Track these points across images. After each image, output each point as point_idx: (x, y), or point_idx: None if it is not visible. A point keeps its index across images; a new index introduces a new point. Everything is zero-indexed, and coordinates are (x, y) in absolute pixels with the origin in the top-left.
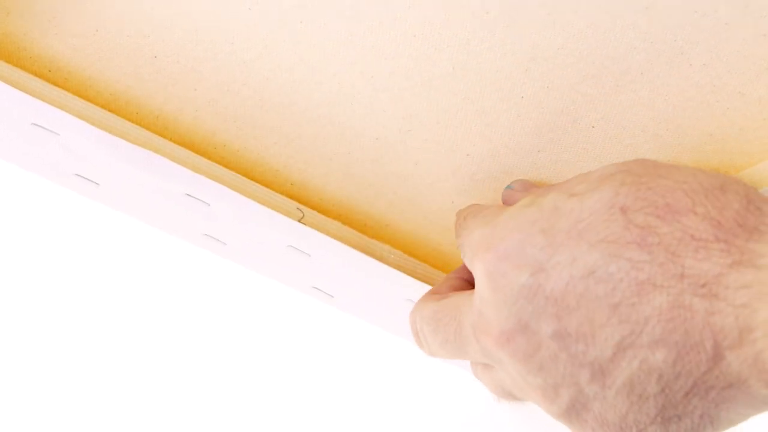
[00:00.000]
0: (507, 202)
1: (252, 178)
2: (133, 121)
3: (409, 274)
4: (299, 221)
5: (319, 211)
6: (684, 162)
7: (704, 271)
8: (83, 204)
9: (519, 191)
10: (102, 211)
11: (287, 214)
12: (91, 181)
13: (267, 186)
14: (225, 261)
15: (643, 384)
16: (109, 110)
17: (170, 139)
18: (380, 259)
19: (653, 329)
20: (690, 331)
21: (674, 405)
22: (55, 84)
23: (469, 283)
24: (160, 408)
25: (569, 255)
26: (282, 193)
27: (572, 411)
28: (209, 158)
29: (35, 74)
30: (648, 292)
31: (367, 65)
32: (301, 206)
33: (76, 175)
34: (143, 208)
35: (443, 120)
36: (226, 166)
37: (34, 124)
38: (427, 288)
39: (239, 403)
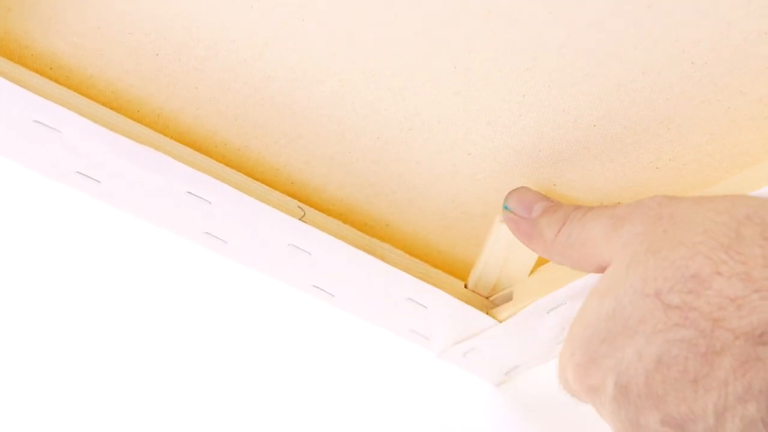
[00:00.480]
0: (513, 229)
1: (253, 177)
2: (134, 120)
3: (409, 273)
4: (300, 219)
5: (319, 211)
6: (685, 162)
7: (754, 323)
8: (84, 202)
9: (521, 215)
10: (102, 210)
11: (288, 212)
12: (92, 178)
13: (268, 185)
14: (225, 260)
15: None
16: (111, 108)
17: (171, 138)
18: (381, 258)
19: (735, 388)
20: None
21: None
22: (57, 82)
23: None
24: (160, 407)
25: (634, 352)
26: (283, 192)
27: None
28: (210, 157)
29: (36, 72)
30: (713, 360)
31: (368, 64)
32: (302, 205)
33: (77, 172)
34: (144, 205)
35: (444, 119)
36: (226, 164)
37: (36, 122)
38: (428, 287)
39: (239, 403)
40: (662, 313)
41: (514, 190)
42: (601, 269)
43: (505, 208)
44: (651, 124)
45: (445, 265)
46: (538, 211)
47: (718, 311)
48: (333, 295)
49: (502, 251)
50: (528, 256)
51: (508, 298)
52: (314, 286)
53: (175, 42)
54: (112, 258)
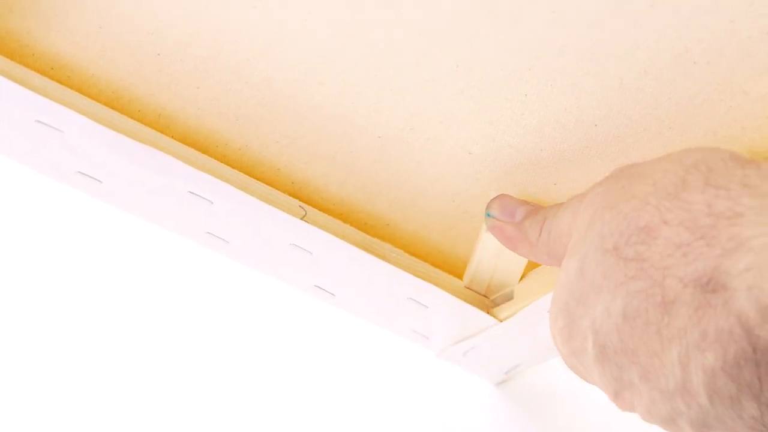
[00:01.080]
0: (498, 235)
1: (254, 177)
2: (135, 120)
3: (410, 272)
4: (302, 219)
5: (320, 210)
6: None
7: (700, 270)
8: (85, 203)
9: (505, 221)
10: (104, 210)
11: (290, 212)
12: (94, 178)
13: (269, 185)
14: (227, 260)
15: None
16: (112, 108)
17: (173, 138)
18: (382, 257)
19: (693, 336)
20: (720, 325)
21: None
22: (58, 82)
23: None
24: (160, 406)
25: (604, 308)
26: (284, 192)
27: None
28: (211, 157)
29: (38, 72)
30: (669, 309)
31: (370, 63)
32: (304, 204)
33: (79, 172)
34: (146, 205)
35: (446, 119)
36: (228, 164)
37: (38, 122)
38: (429, 286)
39: (239, 402)
40: (621, 266)
41: (495, 197)
42: None
43: (488, 215)
44: (652, 124)
45: (446, 264)
46: (521, 215)
47: (666, 260)
48: (334, 295)
49: (491, 257)
50: (518, 260)
51: (509, 298)
52: (315, 285)
53: (176, 42)
54: (114, 258)
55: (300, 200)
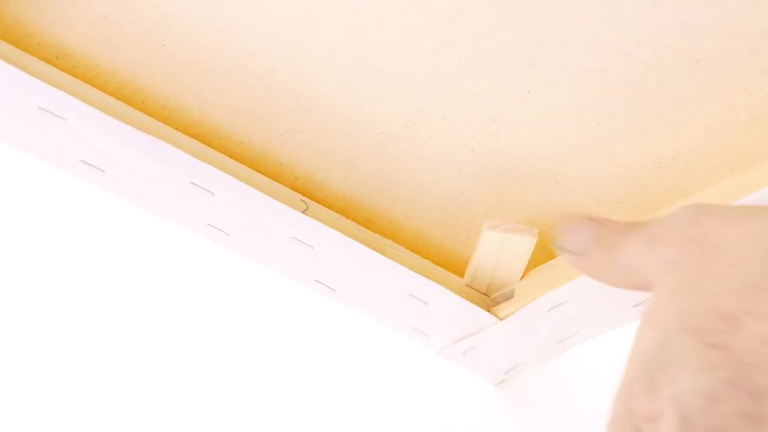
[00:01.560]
0: (575, 267)
1: (256, 171)
2: (139, 111)
3: (411, 269)
4: (303, 213)
5: (322, 206)
6: (687, 161)
7: None
8: (85, 194)
9: (579, 254)
10: (104, 202)
11: (291, 205)
12: (96, 167)
13: (271, 179)
14: (227, 253)
15: None
16: (116, 99)
17: (176, 129)
18: (383, 253)
19: None
20: None
21: None
22: (63, 71)
23: None
24: (160, 399)
25: (688, 386)
26: (286, 186)
27: None
28: (214, 149)
29: (42, 61)
30: (758, 398)
31: (374, 59)
32: (305, 198)
33: (81, 161)
34: (147, 196)
35: (449, 115)
36: (230, 157)
37: (41, 109)
38: (430, 283)
39: (238, 398)
40: (704, 350)
41: (563, 225)
42: (648, 289)
43: (561, 248)
44: (655, 122)
45: (447, 262)
46: (591, 243)
47: (753, 355)
48: (334, 290)
49: (492, 255)
50: (519, 259)
51: (510, 296)
52: (316, 280)
53: (182, 32)
54: (114, 250)
55: (302, 195)
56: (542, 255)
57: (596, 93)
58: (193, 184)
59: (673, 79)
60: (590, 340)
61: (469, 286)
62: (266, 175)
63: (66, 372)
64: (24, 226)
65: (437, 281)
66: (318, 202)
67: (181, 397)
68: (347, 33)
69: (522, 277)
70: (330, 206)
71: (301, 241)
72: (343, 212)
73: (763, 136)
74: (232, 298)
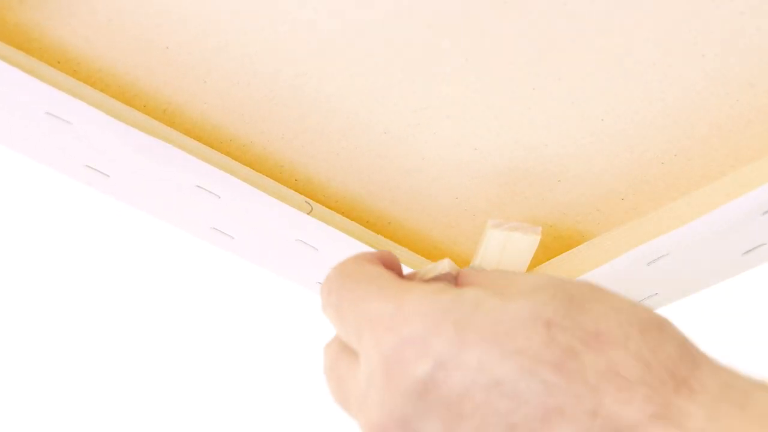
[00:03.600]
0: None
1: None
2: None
3: (414, 269)
4: (308, 214)
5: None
6: (690, 157)
7: (622, 415)
8: (89, 201)
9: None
10: (108, 208)
11: (297, 207)
12: (102, 172)
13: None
14: (230, 259)
15: None
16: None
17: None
18: None
19: None
20: None
21: None
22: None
23: None
24: (164, 402)
25: (477, 358)
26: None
27: None
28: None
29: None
30: (553, 421)
31: (379, 57)
32: (309, 200)
33: (87, 166)
34: (152, 200)
35: (453, 113)
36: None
37: (48, 113)
38: None
39: (239, 397)
40: (542, 343)
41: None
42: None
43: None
44: (658, 118)
45: None
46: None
47: (598, 378)
48: None
49: (494, 255)
50: (521, 258)
51: None
52: (319, 283)
53: (185, 34)
54: (118, 256)
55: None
56: (545, 254)
57: (601, 88)
58: (199, 187)
59: (678, 73)
60: None
61: None
62: (268, 177)
63: (70, 372)
64: (29, 231)
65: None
66: (319, 203)
67: (182, 397)
68: (353, 31)
69: None
70: (330, 208)
71: (306, 243)
72: (343, 213)
73: (765, 130)
74: (234, 302)
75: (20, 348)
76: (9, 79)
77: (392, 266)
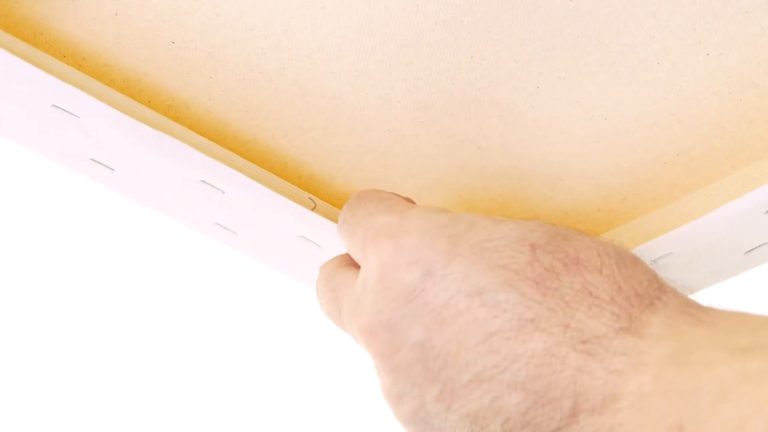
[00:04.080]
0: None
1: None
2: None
3: None
4: (312, 210)
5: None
6: (692, 156)
7: (590, 327)
8: (95, 194)
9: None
10: (112, 202)
11: (301, 203)
12: (106, 166)
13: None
14: (233, 255)
15: (488, 422)
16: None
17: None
18: None
19: (518, 370)
20: (553, 384)
21: None
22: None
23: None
24: (164, 396)
25: (464, 269)
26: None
27: (412, 422)
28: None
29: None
30: (528, 331)
31: (385, 53)
32: (313, 196)
33: (92, 160)
34: (156, 194)
35: (457, 111)
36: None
37: (54, 106)
38: None
39: (240, 395)
40: (525, 261)
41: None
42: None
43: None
44: (661, 117)
45: None
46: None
47: (573, 296)
48: None
49: None
50: None
51: None
52: None
53: (192, 29)
54: (121, 252)
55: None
56: None
57: (605, 87)
58: (204, 182)
59: (681, 72)
60: None
61: None
62: (272, 174)
63: (74, 365)
64: (33, 225)
65: None
66: (322, 201)
67: (184, 396)
68: (360, 27)
69: None
70: (334, 205)
71: (309, 240)
72: None
73: (767, 130)
74: (236, 298)
75: (24, 341)
76: (16, 70)
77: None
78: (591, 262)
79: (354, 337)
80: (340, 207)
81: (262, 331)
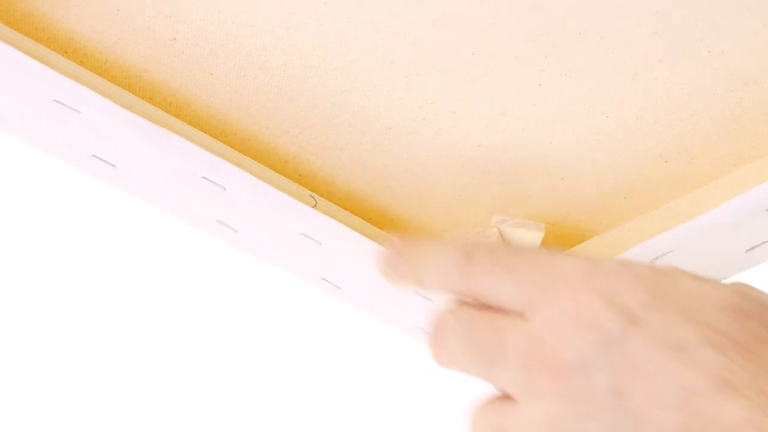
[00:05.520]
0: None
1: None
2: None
3: None
4: (313, 208)
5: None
6: (693, 155)
7: None
8: (95, 190)
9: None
10: (113, 198)
11: (301, 201)
12: (108, 162)
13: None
14: (233, 253)
15: None
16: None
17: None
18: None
19: None
20: None
21: None
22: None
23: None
24: (164, 394)
25: (665, 323)
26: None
27: None
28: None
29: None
30: (726, 393)
31: (387, 51)
32: (314, 194)
33: (93, 156)
34: (157, 191)
35: (458, 109)
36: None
37: (56, 101)
38: None
39: (241, 395)
40: (730, 324)
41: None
42: None
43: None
44: (663, 115)
45: None
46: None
47: None
48: (340, 288)
49: None
50: None
51: None
52: (322, 278)
53: (194, 26)
54: (121, 247)
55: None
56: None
57: (607, 85)
58: (205, 178)
59: (683, 70)
60: None
61: None
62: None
63: (75, 362)
64: (34, 220)
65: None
66: (323, 198)
67: (184, 393)
68: (363, 23)
69: None
70: (334, 203)
71: (310, 238)
72: (346, 208)
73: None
74: (237, 296)
75: (24, 337)
76: (18, 65)
77: None
78: None
79: (526, 381)
80: (341, 204)
81: (263, 328)
